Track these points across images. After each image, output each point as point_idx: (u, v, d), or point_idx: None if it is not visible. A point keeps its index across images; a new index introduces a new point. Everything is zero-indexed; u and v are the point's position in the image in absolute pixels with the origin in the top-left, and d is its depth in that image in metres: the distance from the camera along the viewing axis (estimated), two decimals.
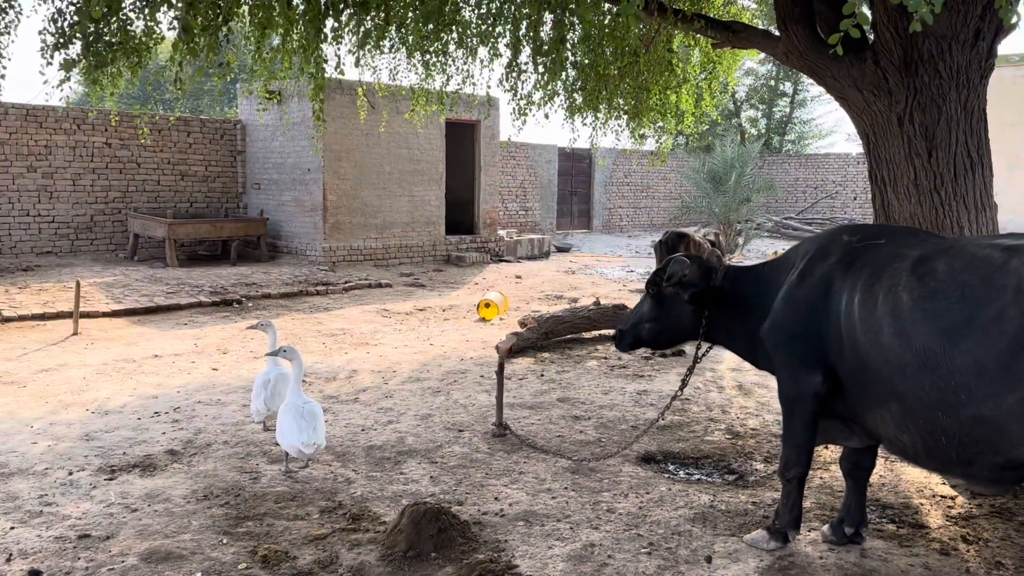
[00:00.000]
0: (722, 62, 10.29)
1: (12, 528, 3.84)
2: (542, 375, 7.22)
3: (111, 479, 4.50)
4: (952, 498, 4.37)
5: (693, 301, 4.00)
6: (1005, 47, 5.67)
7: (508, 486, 4.54)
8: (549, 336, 8.44)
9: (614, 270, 16.43)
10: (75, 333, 8.65)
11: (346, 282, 12.73)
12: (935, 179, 5.38)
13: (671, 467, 5.05)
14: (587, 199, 24.07)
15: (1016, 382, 2.82)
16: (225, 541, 3.76)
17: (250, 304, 10.93)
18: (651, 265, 16.86)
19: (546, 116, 10.10)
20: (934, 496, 4.42)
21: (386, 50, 9.04)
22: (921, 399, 3.06)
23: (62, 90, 6.65)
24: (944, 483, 4.59)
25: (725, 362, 7.75)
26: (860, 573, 3.51)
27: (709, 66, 10.08)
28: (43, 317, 9.37)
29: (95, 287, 10.97)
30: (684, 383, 4.50)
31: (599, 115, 10.42)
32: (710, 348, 4.25)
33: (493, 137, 17.00)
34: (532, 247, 18.10)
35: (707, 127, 15.25)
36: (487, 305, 10.53)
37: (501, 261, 16.86)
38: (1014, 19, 4.96)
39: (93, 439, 5.20)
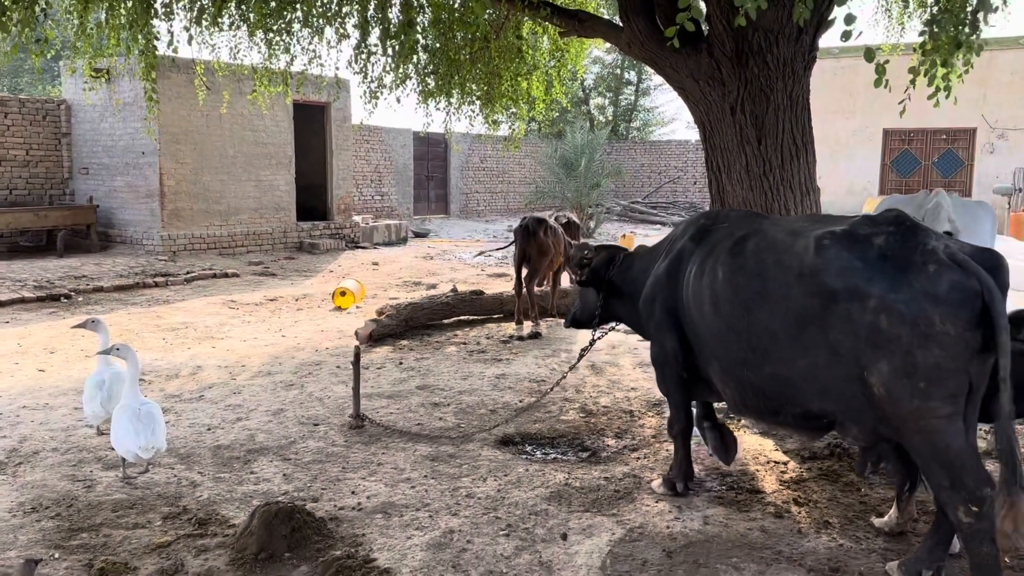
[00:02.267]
0: (570, 50, 10.50)
1: None
2: (401, 363, 7.15)
3: None
4: (785, 463, 4.70)
5: (586, 283, 4.68)
6: (826, 41, 6.12)
7: (366, 479, 4.46)
8: (408, 324, 8.36)
9: (472, 255, 16.50)
10: None
11: (188, 272, 12.06)
12: (764, 165, 5.74)
13: (528, 448, 5.13)
14: (444, 184, 24.01)
15: (803, 350, 3.23)
16: (57, 556, 3.47)
17: (80, 299, 10.14)
18: (506, 250, 17.06)
19: (398, 100, 9.97)
20: (769, 462, 4.74)
21: (225, 27, 8.57)
22: (731, 359, 3.58)
23: None
24: (778, 449, 4.94)
25: (578, 343, 7.97)
26: (703, 539, 3.72)
27: (558, 54, 10.26)
28: None
29: None
30: (581, 356, 5.28)
31: (452, 100, 10.38)
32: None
33: (344, 120, 16.59)
34: (389, 233, 17.86)
35: (557, 114, 15.58)
36: (343, 293, 10.30)
37: (357, 248, 16.53)
38: (831, 15, 5.32)
39: None
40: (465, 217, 24.38)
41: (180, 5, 7.52)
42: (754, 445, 5.02)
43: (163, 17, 7.16)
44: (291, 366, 7.07)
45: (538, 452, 5.07)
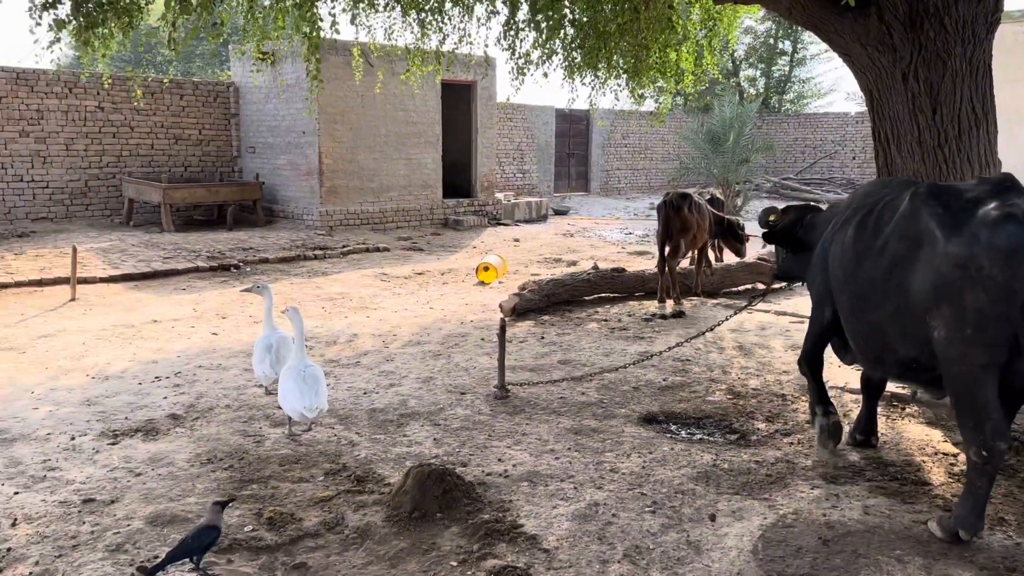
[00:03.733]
0: (723, 19, 10.11)
1: (16, 493, 3.84)
2: (543, 338, 7.21)
3: (114, 444, 4.50)
4: (955, 455, 4.39)
5: (769, 241, 4.90)
6: (1009, 3, 5.58)
7: (511, 447, 4.55)
8: (550, 300, 8.42)
9: (612, 232, 16.37)
10: (73, 299, 8.61)
11: (344, 246, 12.67)
12: (939, 136, 5.32)
13: (673, 427, 5.06)
14: (585, 161, 23.89)
15: (890, 295, 3.58)
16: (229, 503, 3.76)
17: (248, 269, 10.88)
18: (648, 227, 16.80)
19: (544, 75, 9.90)
20: (936, 453, 4.44)
21: (380, 8, 8.87)
22: (845, 307, 3.95)
23: (52, 51, 6.54)
24: (946, 440, 4.61)
25: (725, 323, 7.74)
26: (863, 529, 3.54)
27: (709, 23, 9.91)
28: (40, 283, 9.32)
29: (92, 253, 10.90)
30: (730, 316, 5.88)
31: (598, 74, 10.27)
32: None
33: (490, 98, 16.80)
34: (530, 210, 18.00)
35: (706, 87, 15.06)
36: (486, 268, 10.50)
37: (499, 224, 16.78)
38: None
39: (94, 404, 5.19)
40: (605, 194, 24.19)
41: None
42: (920, 436, 4.71)
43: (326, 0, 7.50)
44: (438, 337, 7.29)
45: (683, 432, 4.98)
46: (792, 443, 4.68)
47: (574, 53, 9.61)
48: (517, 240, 14.64)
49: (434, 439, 4.68)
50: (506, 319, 7.86)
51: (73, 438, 4.56)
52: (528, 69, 9.04)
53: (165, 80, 14.45)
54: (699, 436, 4.91)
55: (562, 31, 9.18)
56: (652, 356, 6.03)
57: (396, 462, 4.31)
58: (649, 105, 24.85)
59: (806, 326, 4.68)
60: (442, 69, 10.59)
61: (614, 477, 4.11)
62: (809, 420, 4.60)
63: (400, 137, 15.19)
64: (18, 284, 9.19)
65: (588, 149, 23.85)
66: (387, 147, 15.02)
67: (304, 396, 4.50)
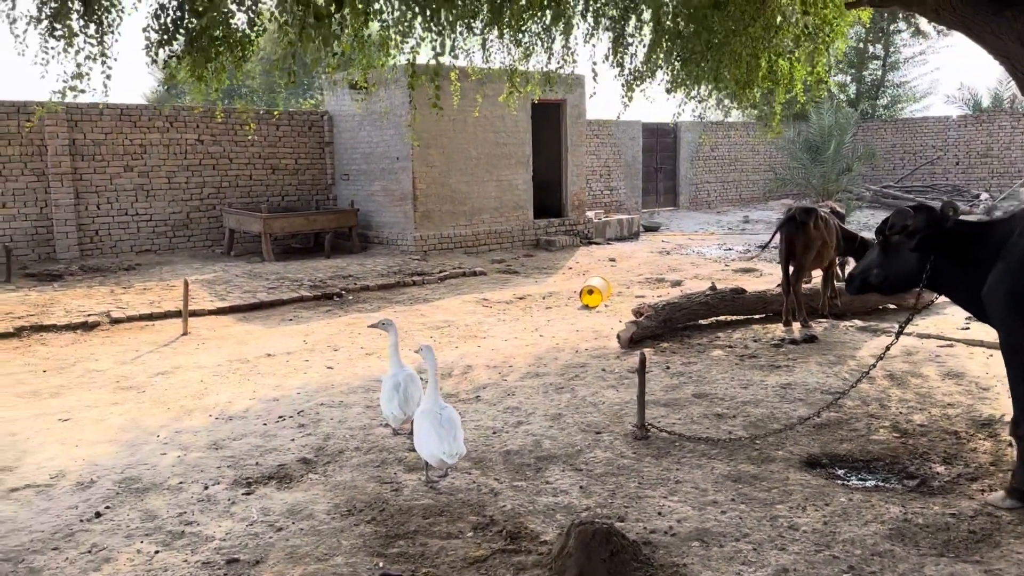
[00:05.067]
0: (834, 25, 9.58)
1: (157, 552, 3.67)
2: (667, 367, 6.80)
3: (249, 493, 4.32)
4: None
5: (919, 248, 4.26)
6: None
7: (667, 498, 4.16)
8: (666, 324, 8.00)
9: (711, 249, 15.79)
10: (185, 333, 8.64)
11: (440, 271, 12.51)
12: None
13: (840, 472, 4.58)
14: (673, 175, 23.32)
15: None
16: (381, 565, 3.49)
17: (350, 297, 10.80)
18: (747, 241, 16.14)
19: (642, 92, 9.52)
20: None
21: (477, 31, 8.69)
22: None
23: (166, 88, 6.52)
24: None
25: (865, 348, 7.18)
26: None
27: (825, 28, 9.38)
28: (151, 317, 9.42)
29: (198, 284, 11.02)
30: (899, 334, 4.91)
31: (702, 86, 9.85)
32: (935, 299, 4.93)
33: (579, 116, 16.50)
34: (621, 228, 17.57)
35: (816, 95, 14.41)
36: (590, 292, 10.14)
37: (591, 243, 16.41)
38: None
39: (222, 448, 5.05)
40: (695, 208, 23.54)
41: (443, 16, 7.65)
42: None
43: (432, 28, 7.32)
44: (556, 367, 6.96)
45: (853, 477, 4.50)
46: (983, 490, 4.15)
47: (678, 66, 9.23)
48: (613, 260, 14.24)
49: (580, 487, 4.33)
50: (623, 349, 7.50)
51: (206, 487, 4.40)
52: (637, 84, 8.70)
53: (276, 112, 14.73)
54: (873, 483, 4.43)
55: (665, 44, 8.82)
56: (838, 397, 5.34)
57: (546, 515, 3.98)
58: (735, 116, 24.15)
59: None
60: (539, 89, 10.36)
61: (795, 536, 3.68)
62: (1002, 499, 3.93)
63: (491, 159, 15.02)
64: (130, 319, 9.30)
65: (676, 163, 23.26)
66: (478, 169, 14.87)
67: (443, 441, 4.22)
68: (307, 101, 25.74)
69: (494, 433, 5.25)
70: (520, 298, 10.75)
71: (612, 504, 4.10)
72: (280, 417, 5.66)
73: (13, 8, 6.29)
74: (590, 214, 17.48)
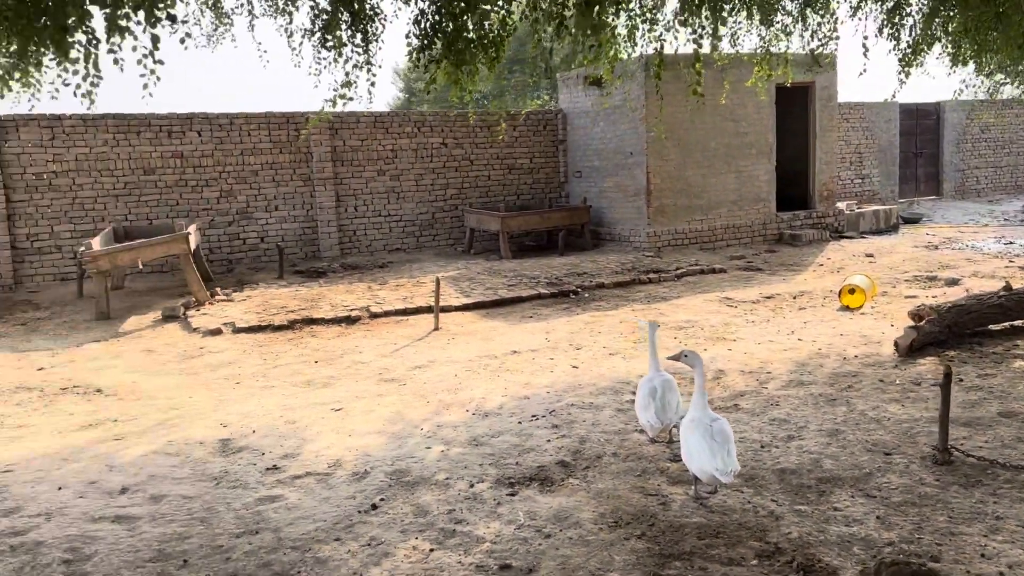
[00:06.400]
0: None
1: (432, 551, 3.68)
2: (960, 380, 5.93)
3: (512, 494, 4.25)
4: None
5: None
6: None
7: (988, 536, 3.53)
8: (951, 330, 7.03)
9: (987, 243, 13.92)
10: (436, 328, 8.97)
11: (677, 268, 12.07)
12: None
13: None
14: (935, 161, 20.95)
15: None
16: None
17: (586, 294, 10.70)
18: None
19: (919, 67, 8.44)
20: None
21: (728, 13, 8.18)
22: None
23: (428, 92, 6.73)
24: None
25: None
26: None
27: None
28: (404, 312, 9.90)
29: (443, 282, 11.47)
30: None
31: (989, 59, 8.62)
32: None
33: (829, 99, 15.24)
34: (876, 220, 16.03)
35: None
36: (851, 291, 9.23)
37: (841, 237, 15.12)
38: None
39: (481, 444, 5.07)
40: (961, 197, 21.00)
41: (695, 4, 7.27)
42: None
43: (683, 19, 6.99)
44: (823, 376, 6.33)
45: None
46: None
47: (960, 37, 8.12)
48: (870, 256, 12.97)
49: (877, 517, 3.80)
50: (900, 357, 6.69)
51: (472, 485, 4.41)
52: (913, 59, 7.76)
53: (522, 112, 15.11)
54: None
55: (949, 12, 7.79)
56: None
57: (841, 547, 3.52)
58: (1008, 92, 21.13)
59: None
60: (791, 71, 9.63)
61: None
62: None
63: (730, 149, 14.29)
64: (386, 314, 9.83)
65: (939, 147, 20.87)
66: (716, 161, 14.20)
67: (715, 456, 3.89)
68: (534, 101, 26.27)
69: (762, 447, 4.81)
70: (768, 297, 10.05)
71: (920, 540, 3.54)
72: (533, 416, 5.61)
73: (290, 23, 6.81)
74: (841, 205, 16.13)
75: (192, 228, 11.27)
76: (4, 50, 4.85)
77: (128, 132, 12.66)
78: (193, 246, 10.93)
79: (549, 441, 5.06)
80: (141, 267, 10.99)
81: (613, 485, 4.33)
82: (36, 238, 12.19)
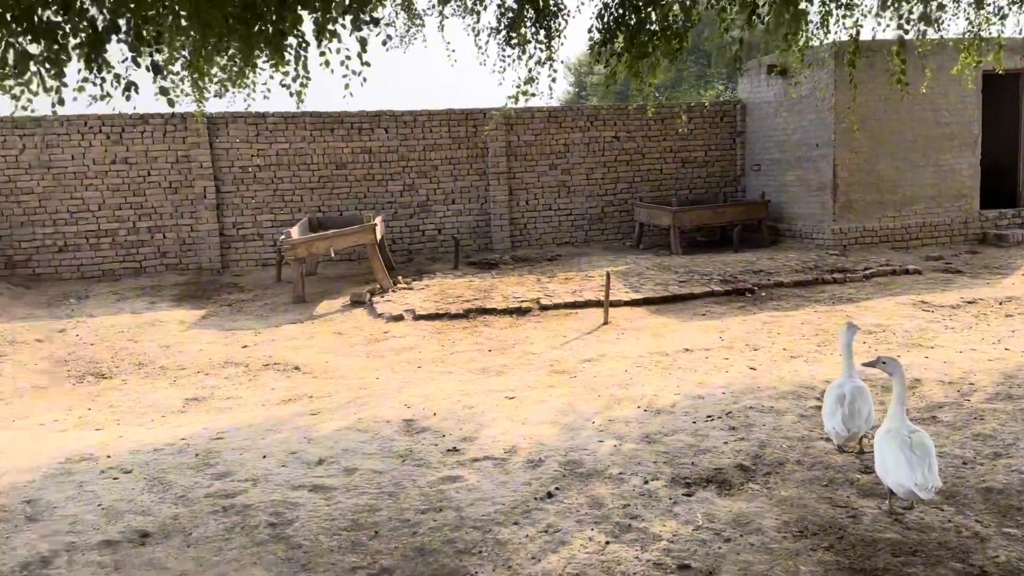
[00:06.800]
0: None
1: (608, 543, 3.70)
2: None
3: (689, 495, 4.19)
4: None
5: None
6: None
7: None
8: None
9: None
10: (605, 323, 8.97)
11: (865, 268, 11.35)
12: None
13: None
14: None
15: None
16: None
17: (763, 293, 10.30)
18: None
19: None
20: None
21: None
22: None
23: (607, 87, 6.74)
24: None
25: None
26: None
27: None
28: (573, 306, 9.97)
29: (612, 276, 11.44)
30: None
31: None
32: None
33: None
34: None
35: None
36: None
37: None
38: None
39: (654, 442, 5.02)
40: None
41: None
42: None
43: (886, 3, 6.55)
44: None
45: None
46: None
47: None
48: None
49: None
50: None
51: (646, 481, 4.38)
52: None
53: (706, 104, 14.83)
54: None
55: None
56: None
57: None
58: None
59: None
60: (1003, 58, 8.77)
61: None
62: None
63: (928, 141, 13.23)
64: (556, 306, 9.95)
65: None
66: (912, 154, 13.19)
67: (915, 470, 3.63)
68: (708, 91, 25.47)
69: (964, 464, 4.44)
70: (970, 302, 9.24)
71: None
72: (709, 416, 5.48)
73: (478, 22, 7.03)
74: None
75: (379, 220, 11.92)
76: (225, 55, 5.34)
77: (323, 129, 13.58)
78: (379, 237, 11.57)
79: (726, 443, 4.94)
80: (333, 255, 11.77)
81: (798, 493, 4.16)
82: (241, 226, 13.37)
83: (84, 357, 8.29)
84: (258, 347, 8.51)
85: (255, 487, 4.50)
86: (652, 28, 6.36)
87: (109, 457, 5.08)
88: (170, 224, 13.03)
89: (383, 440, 5.22)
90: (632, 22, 6.30)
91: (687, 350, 7.57)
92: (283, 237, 11.04)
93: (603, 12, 6.43)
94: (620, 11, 6.33)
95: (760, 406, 5.69)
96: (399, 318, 9.51)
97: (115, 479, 4.68)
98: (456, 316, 9.55)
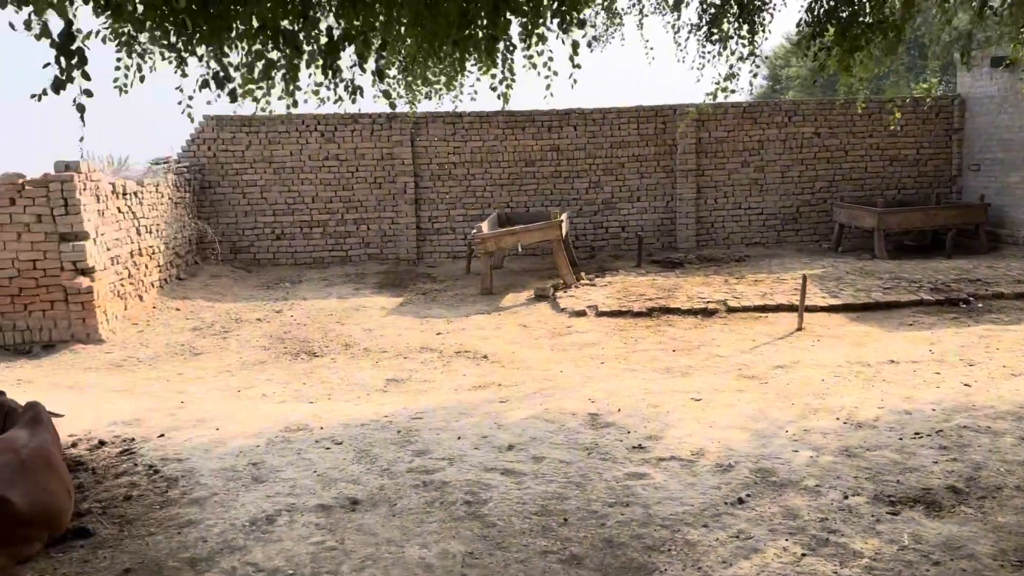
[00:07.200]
0: None
1: (804, 556, 3.58)
2: None
3: (894, 513, 3.96)
4: None
5: None
6: None
7: None
8: None
9: None
10: (799, 328, 8.59)
11: None
12: None
13: None
14: None
15: None
16: None
17: (980, 304, 9.43)
18: None
19: None
20: None
21: None
22: None
23: (815, 82, 6.45)
24: None
25: None
26: None
27: None
28: (763, 309, 9.62)
29: (808, 279, 10.91)
30: None
31: None
32: None
33: None
34: None
35: None
36: None
37: None
38: None
39: (855, 456, 4.77)
40: None
41: None
42: None
43: None
44: None
45: None
46: None
47: None
48: None
49: None
50: None
51: (846, 496, 4.18)
52: None
53: (928, 99, 13.77)
54: None
55: None
56: None
57: None
58: None
59: None
60: None
61: None
62: None
63: None
64: (744, 309, 9.65)
65: None
66: None
67: None
68: (919, 86, 23.54)
69: None
70: None
71: None
72: (916, 434, 5.13)
73: (678, 19, 6.96)
74: None
75: (564, 216, 12.12)
76: (439, 60, 5.66)
77: (515, 127, 13.98)
78: (564, 233, 11.76)
79: (936, 463, 4.60)
80: (520, 250, 12.11)
81: (1017, 520, 3.81)
82: (436, 220, 14.06)
83: (298, 336, 9.10)
84: (450, 335, 8.94)
85: (451, 466, 4.76)
86: (866, 20, 6.02)
87: (322, 428, 5.57)
88: (373, 216, 13.95)
89: (569, 432, 5.33)
90: (844, 14, 5.99)
91: (892, 362, 7.10)
92: (474, 231, 11.50)
93: (813, 4, 6.16)
94: (832, 3, 6.04)
95: (975, 426, 5.25)
96: (582, 314, 9.63)
97: (327, 449, 5.12)
98: (639, 314, 9.53)
